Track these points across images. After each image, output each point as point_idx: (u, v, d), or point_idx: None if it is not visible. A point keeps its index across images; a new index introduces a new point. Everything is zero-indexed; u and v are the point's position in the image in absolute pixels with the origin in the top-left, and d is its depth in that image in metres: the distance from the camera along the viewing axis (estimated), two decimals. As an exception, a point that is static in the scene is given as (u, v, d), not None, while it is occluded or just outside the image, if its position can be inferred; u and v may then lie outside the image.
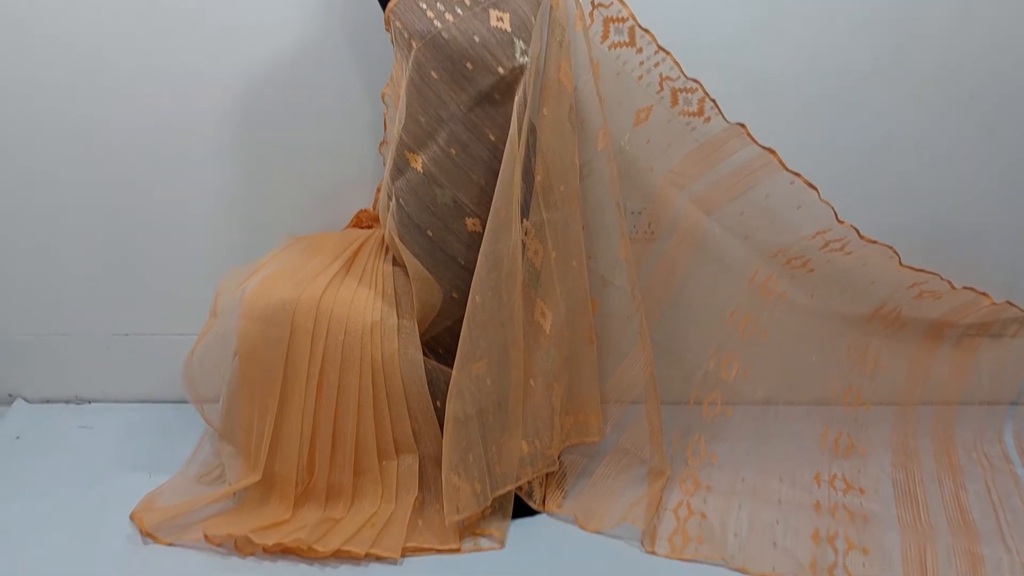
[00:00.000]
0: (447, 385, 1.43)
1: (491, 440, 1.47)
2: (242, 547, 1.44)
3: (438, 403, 1.49)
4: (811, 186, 1.53)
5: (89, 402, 1.94)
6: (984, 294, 1.73)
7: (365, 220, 1.75)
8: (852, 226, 1.57)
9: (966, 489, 1.62)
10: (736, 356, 1.71)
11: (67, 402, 1.94)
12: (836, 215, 1.55)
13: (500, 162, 1.36)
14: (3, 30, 1.64)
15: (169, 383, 1.85)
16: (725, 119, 1.51)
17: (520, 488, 1.53)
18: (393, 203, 1.47)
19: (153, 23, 1.63)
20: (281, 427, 1.49)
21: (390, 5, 1.34)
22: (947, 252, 1.76)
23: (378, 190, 1.72)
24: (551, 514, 1.56)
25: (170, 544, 1.46)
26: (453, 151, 1.38)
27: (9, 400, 1.94)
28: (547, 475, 1.59)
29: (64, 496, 1.60)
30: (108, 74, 1.67)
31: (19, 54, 1.66)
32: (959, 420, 1.81)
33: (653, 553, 1.46)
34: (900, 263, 1.62)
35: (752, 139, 1.51)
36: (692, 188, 1.61)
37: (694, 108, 1.52)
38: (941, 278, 1.66)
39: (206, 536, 1.44)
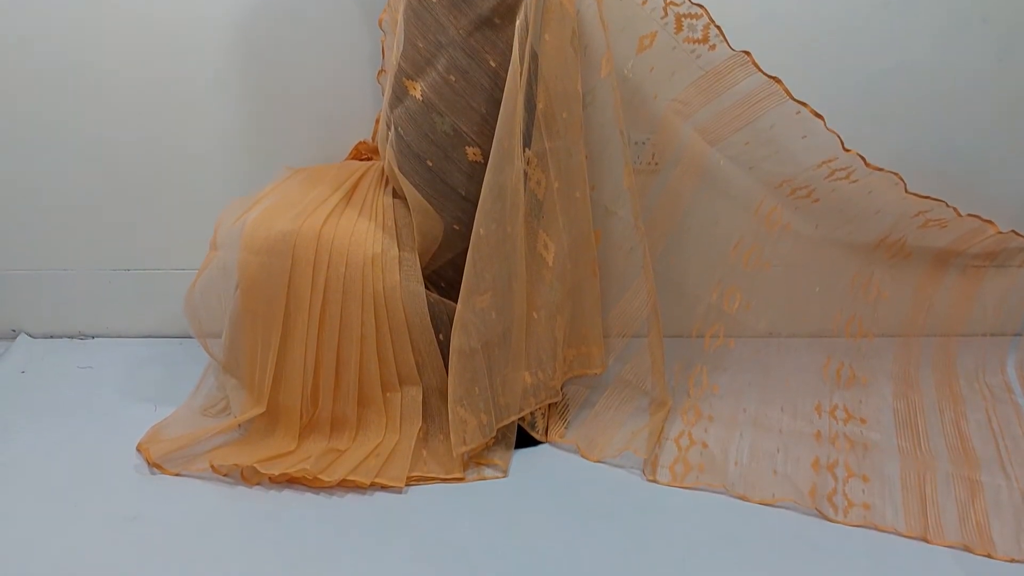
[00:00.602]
0: (450, 319, 1.43)
1: (496, 372, 1.48)
2: (248, 477, 1.45)
3: (441, 336, 1.49)
4: (817, 115, 1.50)
5: (93, 337, 1.94)
6: (990, 222, 1.71)
7: (364, 152, 1.73)
8: (858, 154, 1.54)
9: (967, 418, 1.63)
10: (739, 288, 1.71)
11: (71, 337, 1.94)
12: (842, 143, 1.53)
13: (501, 90, 1.33)
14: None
15: (172, 318, 1.85)
16: (730, 47, 1.47)
17: (523, 419, 1.54)
18: (392, 132, 1.44)
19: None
20: (284, 359, 1.49)
21: (386, -75, 1.30)
22: (955, 181, 1.73)
23: (377, 121, 1.69)
24: (554, 444, 1.57)
25: (177, 474, 1.47)
26: (453, 78, 1.35)
27: (12, 335, 1.94)
28: (550, 406, 1.60)
29: (70, 428, 1.61)
30: (104, 7, 1.62)
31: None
32: (962, 351, 1.81)
33: (654, 481, 1.47)
34: (906, 190, 1.60)
35: (757, 67, 1.47)
36: (696, 117, 1.58)
37: (699, 35, 1.48)
38: (947, 205, 1.64)
39: (212, 466, 1.46)
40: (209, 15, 1.63)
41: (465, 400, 1.44)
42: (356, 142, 1.74)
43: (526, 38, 1.31)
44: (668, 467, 1.50)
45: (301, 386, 1.49)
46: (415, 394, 1.53)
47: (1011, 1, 1.60)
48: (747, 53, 1.47)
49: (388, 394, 1.53)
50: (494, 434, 1.50)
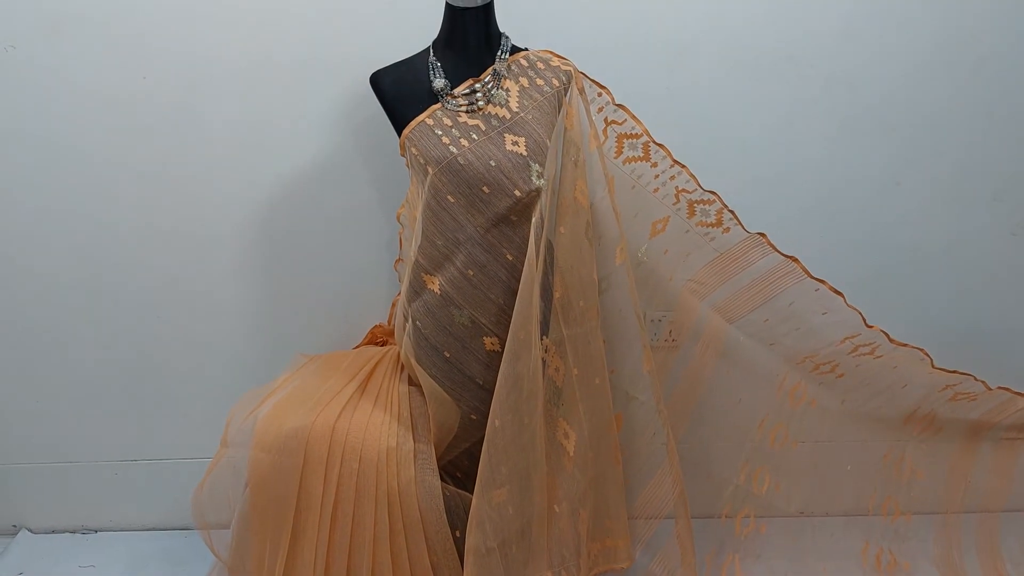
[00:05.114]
0: (466, 512, 1.37)
1: (514, 573, 1.39)
2: None
3: (457, 533, 1.42)
4: (837, 292, 1.49)
5: (96, 531, 1.87)
6: (1021, 394, 1.66)
7: (380, 335, 1.71)
8: (882, 330, 1.52)
9: (1021, 609, 1.53)
10: (767, 468, 1.65)
11: (73, 532, 1.87)
12: (864, 319, 1.51)
13: (518, 280, 1.33)
14: (11, 168, 1.62)
15: (179, 509, 1.79)
16: (745, 229, 1.48)
17: (547, 622, 1.44)
18: (410, 324, 1.43)
19: (167, 132, 1.60)
20: (293, 563, 1.41)
21: (405, 132, 1.33)
22: (980, 353, 1.71)
23: (393, 305, 1.69)
24: (580, 650, 1.47)
25: None
26: (471, 272, 1.35)
27: (13, 531, 1.87)
28: (575, 606, 1.50)
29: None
30: (116, 190, 1.64)
31: (32, 185, 1.63)
32: (1004, 529, 1.73)
33: None
34: (932, 365, 1.57)
35: (774, 248, 1.48)
36: (713, 297, 1.58)
37: (712, 219, 1.50)
38: (975, 379, 1.61)
39: None
40: (226, 202, 1.65)
41: (483, 603, 1.36)
42: (372, 326, 1.73)
43: (542, 233, 1.32)
44: (705, 678, 1.39)
45: (311, 592, 1.40)
46: (430, 598, 1.44)
47: (1021, 180, 1.62)
48: (762, 235, 1.48)
49: (402, 598, 1.44)
50: (514, 641, 1.40)
